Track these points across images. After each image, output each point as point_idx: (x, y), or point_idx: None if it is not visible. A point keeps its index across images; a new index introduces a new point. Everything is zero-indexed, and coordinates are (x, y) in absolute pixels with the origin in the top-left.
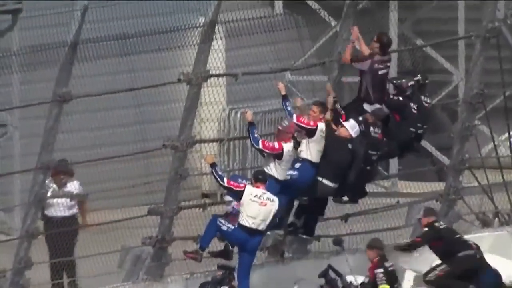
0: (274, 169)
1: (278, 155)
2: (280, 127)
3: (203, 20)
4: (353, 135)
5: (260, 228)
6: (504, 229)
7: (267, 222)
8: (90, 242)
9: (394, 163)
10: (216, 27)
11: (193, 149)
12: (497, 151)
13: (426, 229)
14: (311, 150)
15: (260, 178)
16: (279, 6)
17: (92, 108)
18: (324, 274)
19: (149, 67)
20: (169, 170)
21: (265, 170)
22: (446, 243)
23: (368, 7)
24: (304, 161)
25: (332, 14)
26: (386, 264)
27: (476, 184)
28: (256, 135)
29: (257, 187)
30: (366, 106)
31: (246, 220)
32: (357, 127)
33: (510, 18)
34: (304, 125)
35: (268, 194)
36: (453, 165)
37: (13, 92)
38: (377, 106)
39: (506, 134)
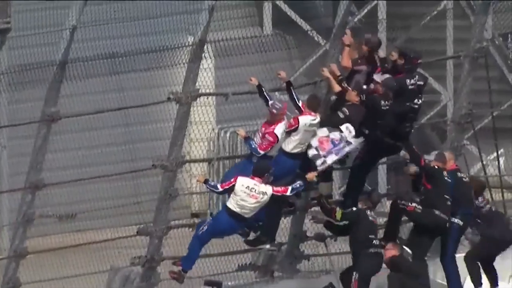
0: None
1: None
2: (274, 111)
3: (192, 39)
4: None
5: (246, 216)
6: None
7: (254, 212)
8: (79, 261)
9: (383, 183)
10: (205, 46)
11: (183, 169)
12: (485, 171)
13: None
14: (289, 142)
15: (257, 171)
16: (268, 25)
17: (81, 127)
18: None
19: (138, 86)
20: (158, 190)
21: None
22: (435, 191)
23: (357, 27)
24: (280, 151)
25: (321, 34)
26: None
27: None
28: (253, 146)
29: (252, 178)
30: (376, 77)
31: (234, 205)
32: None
33: (497, 38)
34: (290, 129)
35: (261, 187)
36: None
37: (2, 112)
38: (387, 75)
39: (495, 154)
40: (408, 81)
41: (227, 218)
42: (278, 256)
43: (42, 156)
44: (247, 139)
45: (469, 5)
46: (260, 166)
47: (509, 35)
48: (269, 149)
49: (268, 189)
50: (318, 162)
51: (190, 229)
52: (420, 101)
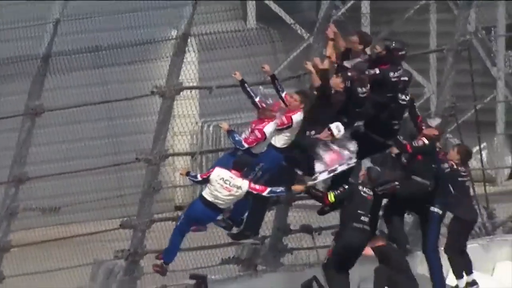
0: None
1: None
2: (264, 105)
3: (176, 33)
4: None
5: (221, 206)
6: (475, 242)
7: (229, 204)
8: (63, 255)
9: None
10: (189, 40)
11: (166, 162)
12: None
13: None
14: (280, 139)
15: (237, 164)
16: (252, 19)
17: (64, 121)
18: (307, 285)
19: (121, 80)
20: (142, 183)
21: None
22: (423, 162)
23: (341, 20)
24: (270, 146)
25: (305, 27)
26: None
27: None
28: (237, 138)
29: (230, 171)
30: (346, 63)
31: (208, 195)
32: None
33: (480, 32)
34: (282, 127)
35: (237, 181)
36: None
37: None
38: (358, 60)
39: (477, 147)
40: (391, 73)
41: (202, 207)
42: (261, 250)
43: (26, 149)
44: (230, 132)
45: None
46: (240, 160)
47: (492, 29)
48: (254, 144)
49: (244, 184)
50: (316, 175)
51: (174, 223)
52: (407, 97)
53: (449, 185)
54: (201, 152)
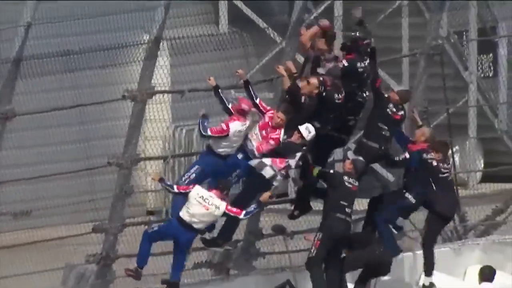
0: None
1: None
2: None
3: (148, 37)
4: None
5: (196, 226)
6: (446, 246)
7: (205, 224)
8: (34, 259)
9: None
10: (161, 44)
11: (138, 167)
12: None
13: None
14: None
15: (220, 185)
16: (224, 23)
17: (35, 125)
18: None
19: (93, 84)
20: (114, 187)
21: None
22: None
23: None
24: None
25: (278, 31)
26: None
27: None
28: (206, 124)
29: (210, 190)
30: (320, 70)
31: (185, 214)
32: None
33: (452, 36)
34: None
35: (215, 200)
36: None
37: None
38: (330, 65)
39: (449, 151)
40: (358, 63)
41: (177, 225)
42: (234, 254)
43: None
44: (204, 117)
45: (424, 3)
46: (221, 182)
47: (464, 33)
48: (215, 135)
49: (222, 205)
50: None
51: (145, 227)
52: (366, 94)
53: (431, 181)
54: (173, 156)
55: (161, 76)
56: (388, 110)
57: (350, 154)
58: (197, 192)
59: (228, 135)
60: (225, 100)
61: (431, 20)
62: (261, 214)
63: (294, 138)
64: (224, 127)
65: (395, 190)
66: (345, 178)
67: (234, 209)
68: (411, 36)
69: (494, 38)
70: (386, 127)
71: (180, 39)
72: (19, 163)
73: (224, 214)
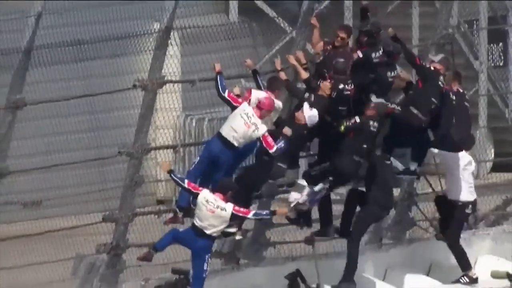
0: None
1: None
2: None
3: (158, 26)
4: None
5: (208, 232)
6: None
7: (218, 229)
8: (44, 249)
9: None
10: (172, 33)
11: (148, 156)
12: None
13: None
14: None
15: (220, 188)
16: (234, 12)
17: (46, 114)
18: (291, 278)
19: (104, 73)
20: (124, 177)
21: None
22: (423, 92)
23: (323, 14)
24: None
25: (288, 21)
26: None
27: (431, 190)
28: (224, 84)
29: (214, 193)
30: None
31: (196, 219)
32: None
33: (463, 25)
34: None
35: (220, 203)
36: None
37: None
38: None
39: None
40: (373, 54)
41: (190, 232)
42: (243, 243)
43: (7, 143)
44: (220, 74)
45: None
46: (224, 183)
47: (474, 22)
48: (230, 99)
49: (228, 206)
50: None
51: (156, 216)
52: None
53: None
54: (183, 145)
55: (172, 66)
56: (440, 83)
57: (374, 98)
58: (204, 195)
59: (239, 106)
60: (223, 86)
61: (442, 9)
62: (271, 204)
63: (299, 116)
64: (240, 100)
65: None
66: (371, 122)
67: (242, 209)
68: (421, 25)
69: (504, 27)
70: (437, 102)
71: (191, 28)
72: (29, 153)
73: (232, 215)
